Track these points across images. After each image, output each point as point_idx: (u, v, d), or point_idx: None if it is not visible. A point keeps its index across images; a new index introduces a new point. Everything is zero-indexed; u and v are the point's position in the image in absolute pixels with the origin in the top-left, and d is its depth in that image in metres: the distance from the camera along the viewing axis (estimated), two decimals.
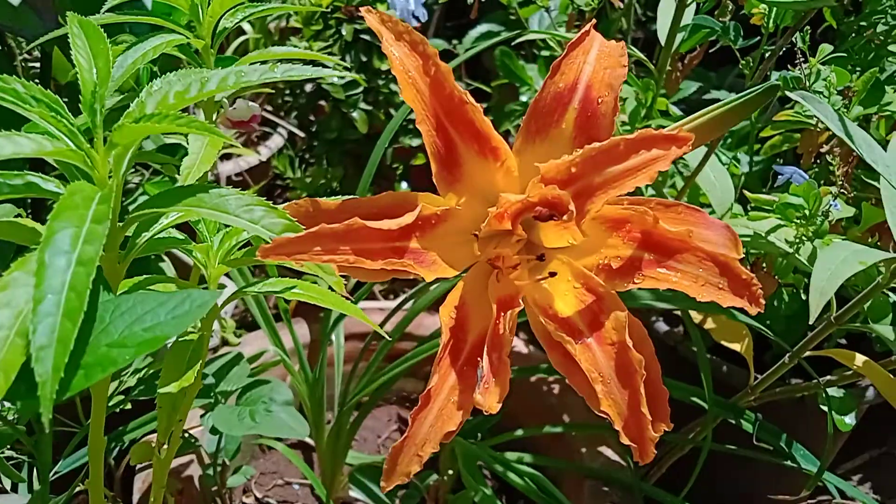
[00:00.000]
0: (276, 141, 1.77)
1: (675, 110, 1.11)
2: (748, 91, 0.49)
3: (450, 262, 0.44)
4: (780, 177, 0.88)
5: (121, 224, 0.41)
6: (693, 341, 0.97)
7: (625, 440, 0.39)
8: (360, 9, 0.45)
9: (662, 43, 0.98)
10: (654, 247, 0.41)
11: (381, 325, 1.02)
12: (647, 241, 0.41)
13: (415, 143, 1.58)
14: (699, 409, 0.97)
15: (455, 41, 1.83)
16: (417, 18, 1.13)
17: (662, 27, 0.98)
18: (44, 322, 0.31)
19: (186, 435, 0.95)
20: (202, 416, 0.86)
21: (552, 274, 0.44)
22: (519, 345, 1.26)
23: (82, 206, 0.35)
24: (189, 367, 0.48)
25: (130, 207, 0.46)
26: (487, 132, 0.45)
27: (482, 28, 1.74)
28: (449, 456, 1.11)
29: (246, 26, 1.77)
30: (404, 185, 1.61)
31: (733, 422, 0.97)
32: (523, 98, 1.55)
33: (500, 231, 0.45)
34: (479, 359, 0.42)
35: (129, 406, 0.91)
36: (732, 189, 0.96)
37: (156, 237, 0.45)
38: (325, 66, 0.70)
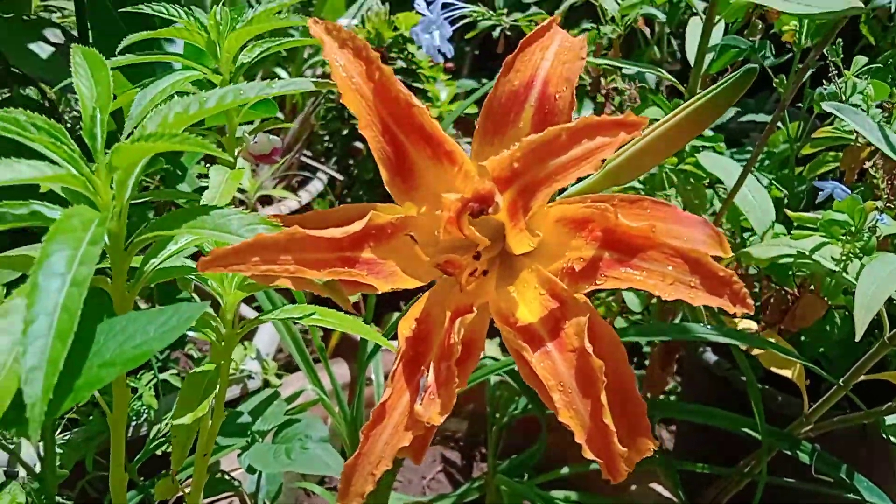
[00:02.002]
0: (317, 185, 1.80)
1: (710, 134, 1.08)
2: (726, 78, 0.47)
3: (413, 273, 0.43)
4: (821, 193, 0.85)
5: (126, 250, 0.41)
6: (743, 370, 0.93)
7: (588, 454, 0.36)
8: (317, 30, 0.43)
9: (692, 63, 0.97)
10: (616, 245, 0.39)
11: None
12: (609, 240, 0.39)
13: None
14: (753, 441, 0.93)
15: (486, 80, 1.85)
16: (444, 55, 1.13)
17: (691, 48, 0.96)
18: (34, 344, 0.31)
19: (227, 476, 0.95)
20: (239, 455, 0.86)
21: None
22: None
23: (80, 228, 0.35)
24: (204, 398, 0.48)
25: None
26: (439, 135, 0.43)
27: None
28: (495, 495, 1.08)
29: (281, 73, 1.82)
30: None
31: (789, 453, 0.92)
32: None
33: (462, 239, 0.43)
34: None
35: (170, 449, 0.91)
36: (772, 208, 0.93)
37: (165, 265, 0.44)
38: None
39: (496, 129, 0.44)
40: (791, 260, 0.85)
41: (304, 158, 1.85)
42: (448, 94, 1.55)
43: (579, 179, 0.40)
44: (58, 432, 1.00)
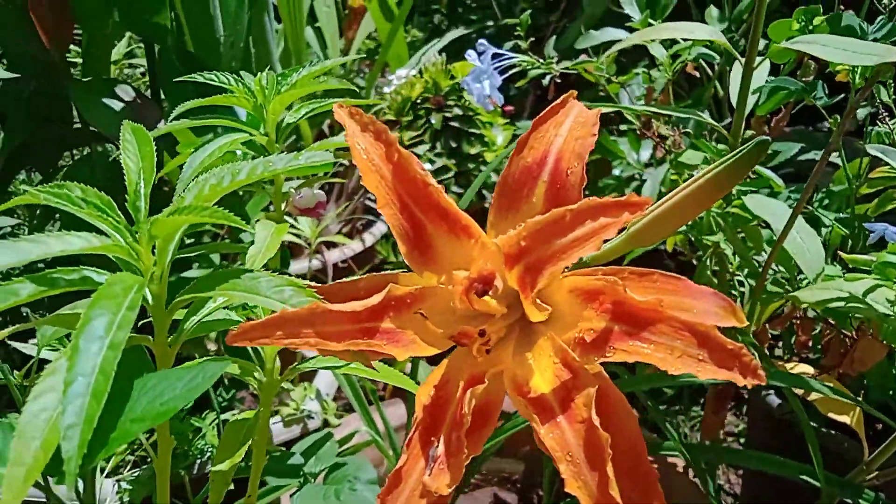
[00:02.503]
0: (380, 228, 1.85)
1: (766, 173, 1.07)
2: (738, 150, 0.48)
3: (432, 342, 0.44)
4: (871, 234, 0.83)
5: (167, 309, 0.44)
6: (798, 414, 0.91)
7: None
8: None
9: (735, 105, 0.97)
10: (625, 318, 0.39)
11: None
12: (618, 313, 0.39)
13: None
14: (817, 489, 0.90)
15: None
16: (494, 103, 1.16)
17: (734, 91, 0.96)
18: (73, 403, 0.34)
19: None
20: (291, 496, 0.89)
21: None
22: None
23: (122, 294, 0.38)
24: (243, 443, 0.51)
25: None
26: (454, 212, 0.45)
27: None
28: None
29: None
30: None
31: (850, 502, 0.89)
32: (616, 172, 1.54)
33: (481, 310, 0.45)
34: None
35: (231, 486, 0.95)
36: (822, 252, 0.91)
37: (205, 320, 0.48)
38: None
39: (510, 204, 0.46)
40: (842, 304, 0.83)
41: (367, 202, 1.91)
42: (504, 138, 1.57)
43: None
44: (128, 469, 1.05)
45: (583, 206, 0.40)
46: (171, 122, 0.65)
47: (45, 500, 0.72)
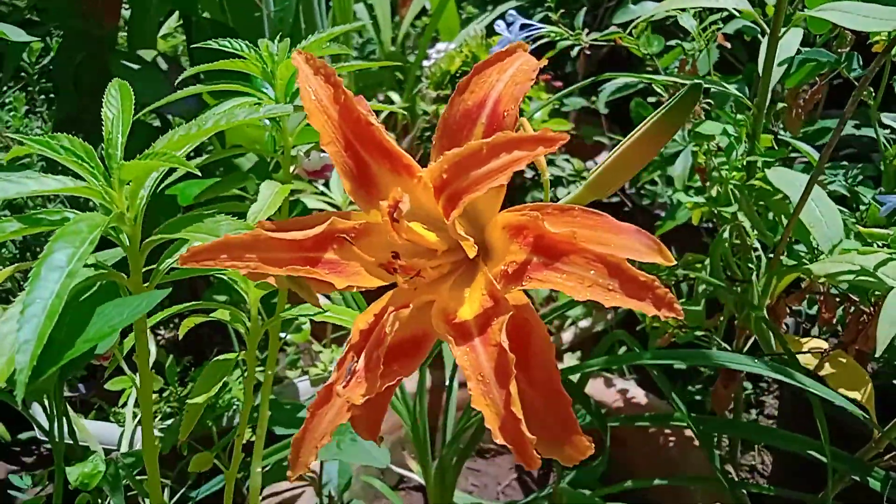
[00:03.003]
0: None
1: (801, 146, 1.03)
2: (672, 98, 0.48)
3: (377, 275, 0.47)
4: (883, 207, 0.81)
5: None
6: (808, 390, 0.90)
7: (499, 440, 0.39)
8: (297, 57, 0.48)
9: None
10: (543, 250, 0.41)
11: None
12: (537, 245, 0.41)
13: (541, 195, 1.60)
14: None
15: (594, 97, 1.86)
16: (547, 79, 1.17)
17: (761, 62, 0.94)
18: (29, 322, 0.38)
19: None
20: None
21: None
22: (638, 395, 1.22)
23: (87, 231, 0.42)
24: (217, 382, 0.55)
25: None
26: (396, 151, 0.47)
27: (618, 83, 1.74)
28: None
29: (394, 96, 1.92)
30: None
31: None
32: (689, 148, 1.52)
33: (422, 244, 0.47)
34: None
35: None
36: (840, 225, 0.89)
37: (177, 266, 0.52)
38: None
39: (451, 144, 0.47)
40: (852, 277, 0.82)
41: None
42: (543, 112, 1.58)
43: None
44: (158, 419, 1.12)
45: (498, 139, 0.42)
46: (176, 86, 0.69)
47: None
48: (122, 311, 0.42)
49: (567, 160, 1.68)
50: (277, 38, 0.76)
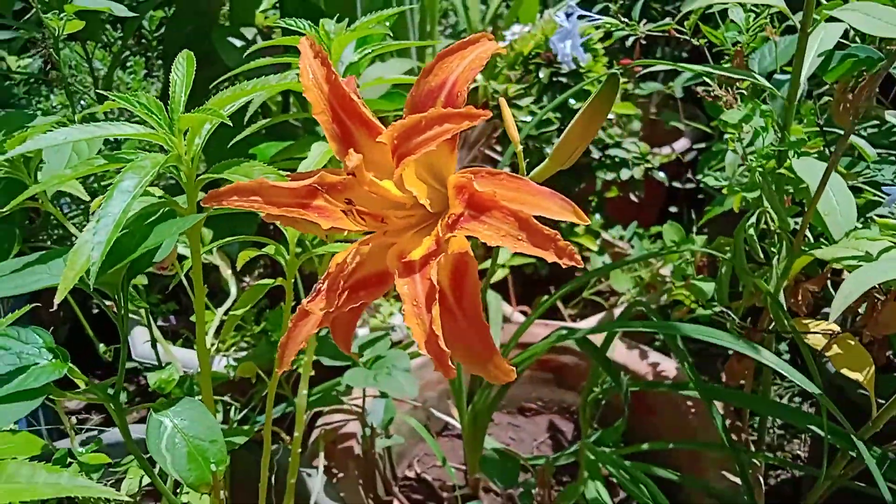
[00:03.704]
0: None
1: (858, 142, 1.06)
2: (598, 88, 0.56)
3: (351, 219, 0.57)
4: (888, 198, 0.86)
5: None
6: (810, 369, 0.95)
7: (423, 350, 0.48)
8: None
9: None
10: (473, 205, 0.50)
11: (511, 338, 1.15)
12: (470, 201, 0.50)
13: (609, 176, 1.67)
14: None
15: (670, 83, 1.90)
16: (576, 60, 1.25)
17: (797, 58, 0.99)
18: (102, 230, 0.52)
19: (354, 407, 1.17)
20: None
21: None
22: (668, 368, 1.29)
23: (151, 167, 0.56)
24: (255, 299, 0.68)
25: None
26: (373, 121, 0.57)
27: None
28: (586, 461, 1.18)
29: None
30: (597, 216, 1.70)
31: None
32: (726, 136, 1.56)
33: (393, 198, 0.57)
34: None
35: (312, 372, 1.14)
36: (854, 214, 0.93)
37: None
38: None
39: None
40: (856, 262, 0.87)
41: (488, 152, 2.04)
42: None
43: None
44: (232, 350, 1.28)
45: (433, 114, 0.52)
46: (244, 59, 0.83)
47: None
48: (171, 227, 0.55)
49: (634, 143, 1.74)
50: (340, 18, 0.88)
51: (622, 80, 1.78)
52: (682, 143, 2.12)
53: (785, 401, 1.66)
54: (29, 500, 0.50)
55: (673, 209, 2.10)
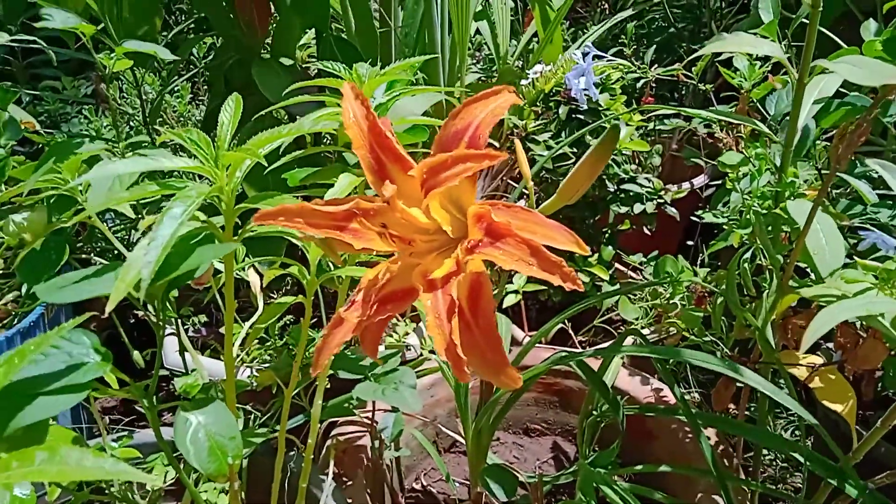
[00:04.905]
0: (521, 203, 2.06)
1: (855, 183, 1.12)
2: (600, 137, 0.64)
3: (383, 242, 0.66)
4: (863, 242, 0.92)
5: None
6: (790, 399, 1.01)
7: (442, 356, 0.56)
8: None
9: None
10: (490, 233, 0.57)
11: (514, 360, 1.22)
12: (488, 229, 0.58)
13: (622, 209, 1.74)
14: None
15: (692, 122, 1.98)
16: (589, 97, 1.33)
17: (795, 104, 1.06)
18: (153, 250, 0.61)
19: (364, 418, 1.25)
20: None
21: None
22: (669, 394, 1.35)
23: (196, 195, 0.65)
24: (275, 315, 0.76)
25: None
26: (405, 156, 0.65)
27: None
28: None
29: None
30: (609, 248, 1.77)
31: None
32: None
33: (423, 225, 0.65)
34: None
35: (328, 385, 1.22)
36: (842, 254, 1.00)
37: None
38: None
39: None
40: (835, 301, 0.93)
41: (510, 182, 2.12)
42: (627, 132, 1.72)
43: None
44: (255, 363, 1.37)
45: (457, 154, 0.60)
46: (284, 97, 0.92)
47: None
48: (211, 251, 0.64)
49: (648, 179, 1.81)
50: (374, 60, 0.97)
51: (643, 116, 1.85)
52: (700, 179, 2.18)
53: (787, 434, 1.71)
54: (77, 480, 0.58)
55: (690, 242, 2.17)
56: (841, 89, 1.16)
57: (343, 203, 0.67)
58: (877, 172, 1.35)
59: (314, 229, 0.65)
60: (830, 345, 1.28)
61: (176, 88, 2.16)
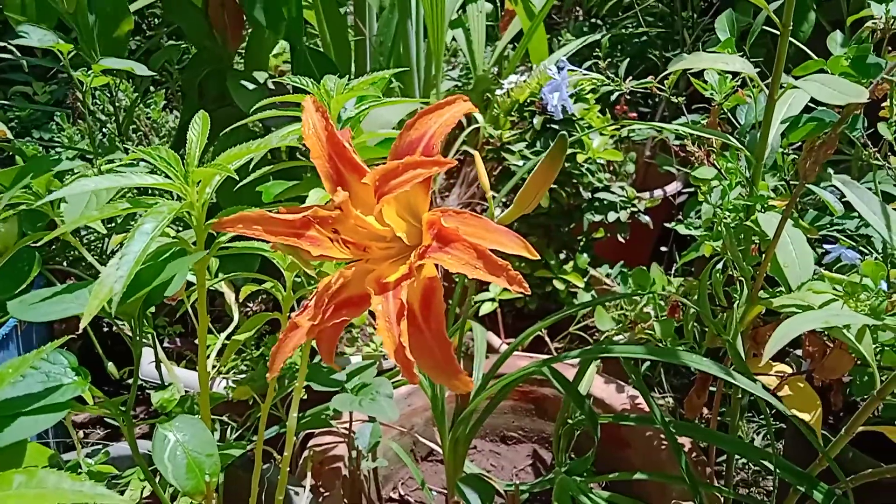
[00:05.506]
0: (496, 212, 2.07)
1: (824, 195, 1.15)
2: (550, 147, 0.66)
3: (339, 248, 0.66)
4: (828, 255, 0.94)
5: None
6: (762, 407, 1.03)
7: (391, 359, 0.56)
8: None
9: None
10: (440, 238, 0.58)
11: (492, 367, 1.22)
12: (438, 235, 0.59)
13: (596, 218, 1.76)
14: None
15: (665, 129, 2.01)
16: (565, 110, 1.35)
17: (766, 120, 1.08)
18: (124, 265, 0.61)
19: (343, 429, 1.25)
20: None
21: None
22: (644, 402, 1.37)
23: (167, 212, 0.65)
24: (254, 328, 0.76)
25: None
26: (361, 165, 0.66)
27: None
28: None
29: (479, 116, 2.12)
30: (584, 255, 1.79)
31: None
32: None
33: (376, 231, 0.66)
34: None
35: (305, 396, 1.22)
36: (811, 265, 1.02)
37: (230, 244, 0.74)
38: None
39: None
40: (799, 311, 0.95)
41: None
42: (601, 143, 1.73)
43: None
44: (233, 372, 1.36)
45: (408, 161, 0.61)
46: (250, 114, 0.92)
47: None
48: (182, 265, 0.64)
49: (622, 188, 1.83)
50: (347, 73, 0.98)
51: (618, 125, 1.88)
52: (673, 187, 2.21)
53: (759, 438, 1.74)
54: None
55: (664, 248, 2.19)
56: (811, 104, 1.18)
57: (301, 211, 0.67)
58: None
59: (272, 236, 0.65)
60: (801, 352, 1.31)
61: (150, 96, 2.15)
